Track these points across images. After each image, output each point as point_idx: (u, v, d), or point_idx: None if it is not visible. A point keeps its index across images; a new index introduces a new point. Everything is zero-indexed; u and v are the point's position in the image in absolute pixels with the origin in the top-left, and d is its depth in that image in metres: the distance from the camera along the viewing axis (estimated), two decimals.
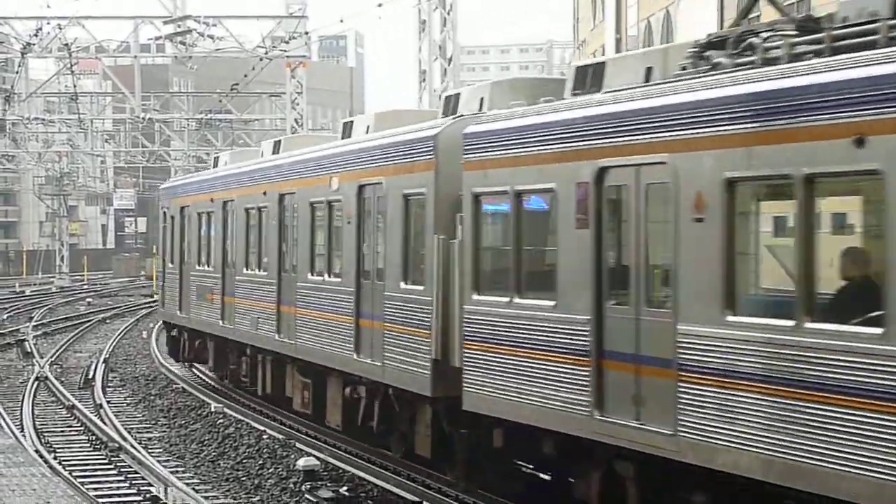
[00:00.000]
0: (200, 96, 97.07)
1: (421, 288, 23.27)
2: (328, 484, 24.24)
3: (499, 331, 20.62)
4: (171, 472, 26.44)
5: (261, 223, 33.04)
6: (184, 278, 40.80)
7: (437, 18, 38.97)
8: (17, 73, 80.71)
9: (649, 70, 18.87)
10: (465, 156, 21.75)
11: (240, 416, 33.25)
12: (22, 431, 30.97)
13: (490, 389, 20.77)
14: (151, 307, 75.26)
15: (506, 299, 20.49)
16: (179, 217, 41.78)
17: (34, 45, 66.11)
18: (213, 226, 37.44)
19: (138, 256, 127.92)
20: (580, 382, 18.07)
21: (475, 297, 21.22)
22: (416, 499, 23.04)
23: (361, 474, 25.39)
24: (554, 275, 19.43)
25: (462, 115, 23.67)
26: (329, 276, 28.90)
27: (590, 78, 20.28)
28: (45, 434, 31.44)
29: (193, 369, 45.14)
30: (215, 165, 41.89)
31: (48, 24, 65.13)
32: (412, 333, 23.49)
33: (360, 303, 26.26)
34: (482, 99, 24.38)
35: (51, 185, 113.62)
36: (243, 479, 26.20)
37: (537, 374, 19.54)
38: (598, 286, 18.01)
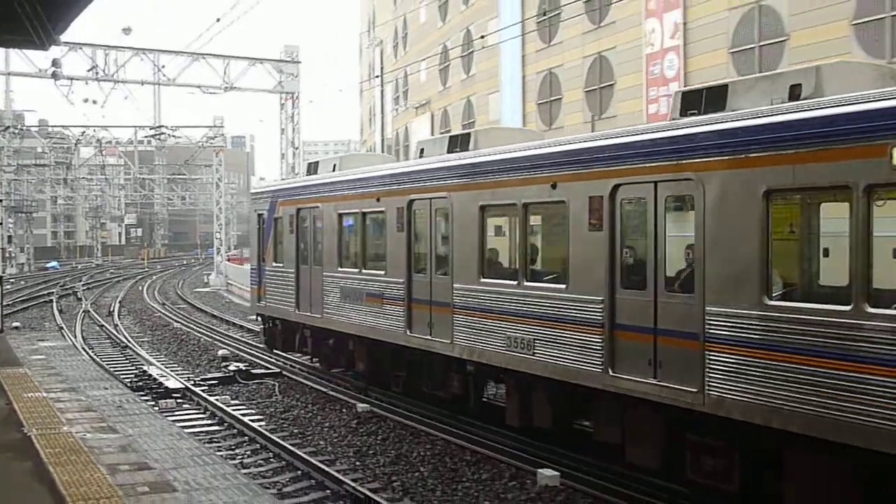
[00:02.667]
0: (170, 166, 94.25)
1: None
2: (235, 362, 23.91)
3: None
4: (153, 357, 25.80)
5: (525, 225, 13.42)
6: (305, 278, 20.38)
7: (290, 126, 38.56)
8: (73, 153, 77.92)
9: None
10: None
11: (189, 329, 32.55)
12: (75, 338, 29.87)
13: None
14: (143, 276, 72.97)
15: None
16: (295, 218, 20.82)
17: (81, 139, 63.98)
18: (383, 227, 17.20)
19: (137, 248, 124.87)
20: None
21: None
22: (277, 369, 22.82)
23: (252, 357, 25.10)
24: None
25: None
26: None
27: None
28: (88, 339, 30.33)
29: (166, 306, 43.92)
30: (313, 171, 21.78)
31: (88, 129, 63.18)
32: None
33: None
34: None
35: (92, 211, 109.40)
36: (190, 361, 25.57)
37: None
38: None
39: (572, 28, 35.05)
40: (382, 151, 59.75)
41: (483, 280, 14.18)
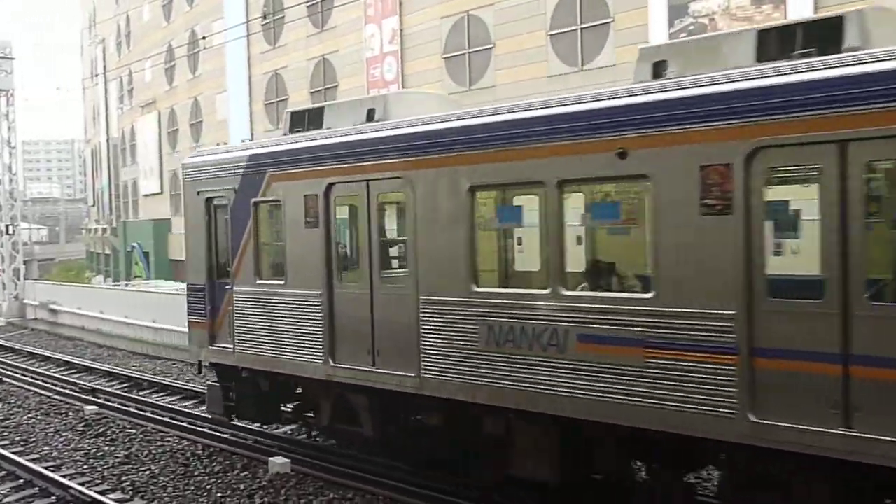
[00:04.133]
0: None
1: None
2: None
3: None
4: None
5: None
6: (354, 306, 10.76)
7: (6, 125, 35.76)
8: None
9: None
10: None
11: None
12: None
13: None
14: None
15: None
16: (323, 202, 11.12)
17: None
18: (635, 208, 8.18)
19: None
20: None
21: None
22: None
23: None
24: None
25: None
26: None
27: None
28: None
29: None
30: (313, 124, 12.09)
31: None
32: None
33: None
34: None
35: None
36: None
37: None
38: None
39: (296, 31, 34.86)
40: (108, 151, 56.77)
41: None
